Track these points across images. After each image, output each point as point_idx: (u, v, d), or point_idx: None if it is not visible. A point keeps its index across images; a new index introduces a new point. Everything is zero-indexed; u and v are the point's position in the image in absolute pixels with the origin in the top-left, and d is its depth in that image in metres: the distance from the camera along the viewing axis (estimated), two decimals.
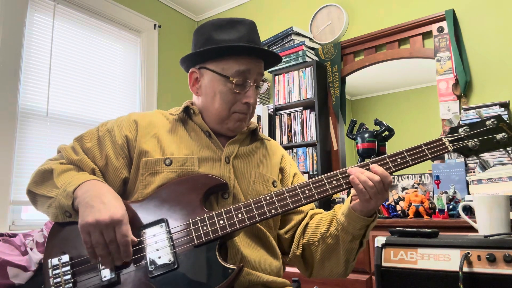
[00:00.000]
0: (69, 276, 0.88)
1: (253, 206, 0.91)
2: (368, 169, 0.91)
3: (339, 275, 1.04)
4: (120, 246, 0.84)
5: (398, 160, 0.93)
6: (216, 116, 1.05)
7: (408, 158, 0.93)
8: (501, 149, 0.94)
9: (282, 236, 1.10)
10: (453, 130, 0.96)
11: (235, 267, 0.85)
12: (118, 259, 0.86)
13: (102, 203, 0.86)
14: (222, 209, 0.91)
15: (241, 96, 1.03)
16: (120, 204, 0.88)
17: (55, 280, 0.87)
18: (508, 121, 0.93)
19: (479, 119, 0.96)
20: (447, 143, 0.94)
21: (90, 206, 0.85)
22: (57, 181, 0.94)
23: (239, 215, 0.90)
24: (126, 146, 1.02)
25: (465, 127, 0.95)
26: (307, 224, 1.09)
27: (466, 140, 0.94)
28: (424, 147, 0.93)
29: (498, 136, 0.92)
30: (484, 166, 0.95)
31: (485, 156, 2.01)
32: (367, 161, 0.95)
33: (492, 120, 0.94)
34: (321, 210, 1.14)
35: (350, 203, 0.96)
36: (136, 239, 0.88)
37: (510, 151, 0.96)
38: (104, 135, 1.04)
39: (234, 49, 1.01)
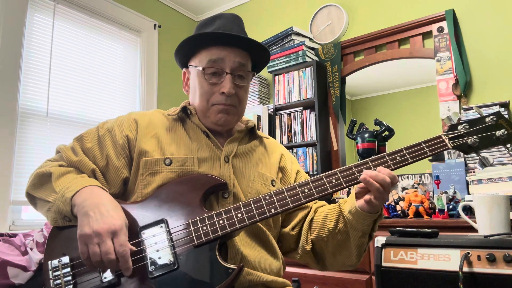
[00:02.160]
0: (69, 278, 0.87)
1: (252, 205, 0.91)
2: (355, 173, 0.92)
3: (352, 266, 1.04)
4: (118, 257, 0.83)
5: (398, 158, 0.92)
6: (200, 111, 1.07)
7: (408, 156, 0.92)
8: (501, 146, 0.94)
9: (288, 233, 1.09)
10: (453, 127, 0.95)
11: (235, 267, 0.85)
12: (113, 268, 0.84)
13: (100, 213, 0.85)
14: (222, 209, 0.91)
15: (218, 87, 1.03)
16: (118, 214, 0.87)
17: (55, 282, 0.87)
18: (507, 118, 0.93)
19: (479, 116, 0.95)
20: (447, 141, 0.93)
21: (88, 216, 0.84)
22: (56, 185, 0.93)
23: (239, 215, 0.90)
24: (127, 145, 1.02)
25: (464, 124, 0.94)
26: (312, 219, 1.08)
27: (465, 137, 0.93)
28: (423, 145, 0.93)
29: (498, 133, 0.91)
30: (484, 164, 0.94)
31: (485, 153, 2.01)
32: (367, 159, 0.95)
33: (491, 117, 0.93)
34: (323, 203, 1.14)
35: (356, 201, 0.95)
36: (134, 248, 0.87)
37: (510, 148, 0.95)
38: (105, 134, 1.03)
39: (206, 41, 1.03)
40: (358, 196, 0.95)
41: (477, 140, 0.92)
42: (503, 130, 0.91)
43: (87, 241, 0.83)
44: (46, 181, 0.96)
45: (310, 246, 1.06)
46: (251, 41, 1.03)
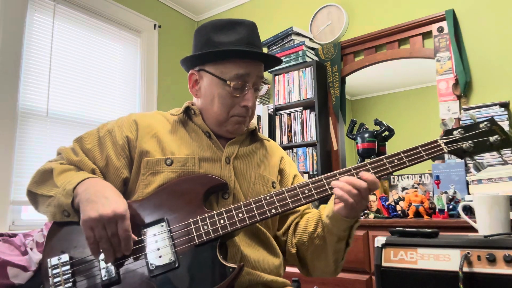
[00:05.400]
0: (68, 276, 0.88)
1: (253, 205, 0.92)
2: (354, 175, 0.92)
3: (329, 274, 1.06)
4: (121, 241, 0.84)
5: (395, 161, 0.94)
6: (215, 119, 1.05)
7: (405, 159, 0.94)
8: (494, 151, 0.96)
9: (280, 238, 1.11)
10: (448, 132, 0.98)
11: (235, 266, 0.85)
12: (119, 253, 0.86)
13: (104, 198, 0.86)
14: (223, 209, 0.92)
15: (240, 99, 1.02)
16: (122, 200, 0.88)
17: (54, 280, 0.87)
18: (508, 124, 0.94)
19: (473, 122, 0.98)
20: (443, 145, 0.96)
21: (92, 202, 0.85)
22: (57, 180, 0.94)
23: (240, 215, 0.91)
24: (127, 146, 1.03)
25: (459, 130, 0.97)
26: (297, 223, 1.10)
27: (460, 142, 0.96)
28: (420, 149, 0.95)
29: (492, 139, 0.94)
30: (478, 168, 0.98)
31: (484, 156, 2.01)
32: (366, 161, 0.96)
33: (485, 123, 0.96)
34: (311, 210, 1.15)
35: (334, 205, 0.97)
36: (135, 237, 0.88)
37: (508, 153, 0.97)
38: (105, 135, 1.04)
39: (233, 53, 1.00)
40: (337, 202, 0.96)
41: (472, 145, 0.95)
42: (496, 136, 0.94)
43: (92, 225, 0.83)
44: (47, 177, 0.97)
45: (295, 250, 1.08)
46: (276, 58, 1.06)
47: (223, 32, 1.02)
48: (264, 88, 1.09)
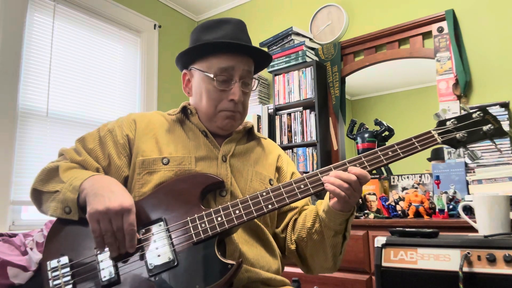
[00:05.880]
0: (68, 278, 0.88)
1: (250, 202, 0.92)
2: (345, 170, 0.92)
3: (329, 269, 1.06)
4: (126, 235, 0.85)
5: (390, 153, 0.95)
6: (205, 115, 1.07)
7: (399, 151, 0.94)
8: (488, 140, 0.96)
9: (279, 236, 1.11)
10: (441, 123, 0.98)
11: (234, 263, 0.85)
12: (123, 248, 0.86)
13: (111, 192, 0.87)
14: (220, 206, 0.92)
15: (227, 94, 1.03)
16: (128, 194, 0.90)
17: (54, 282, 0.87)
18: (508, 124, 0.94)
19: (465, 112, 0.99)
20: (436, 136, 0.96)
21: (99, 196, 0.86)
22: (63, 176, 0.95)
23: (237, 211, 0.91)
24: (127, 145, 1.04)
25: (452, 120, 0.97)
26: (296, 220, 1.10)
27: (454, 132, 0.96)
28: (414, 140, 0.95)
29: (485, 128, 0.94)
30: (472, 157, 0.98)
31: (484, 156, 2.01)
32: (359, 155, 0.96)
33: (478, 112, 0.96)
34: (309, 206, 1.15)
35: (329, 200, 0.98)
36: (138, 235, 0.89)
37: (509, 154, 0.97)
38: (106, 135, 1.05)
39: (215, 47, 1.03)
40: (332, 196, 0.97)
41: (465, 135, 0.95)
42: (489, 125, 0.94)
43: (99, 218, 0.84)
44: (53, 175, 0.98)
45: (294, 246, 1.08)
46: (260, 50, 1.06)
47: (210, 31, 1.06)
48: (254, 84, 1.10)
